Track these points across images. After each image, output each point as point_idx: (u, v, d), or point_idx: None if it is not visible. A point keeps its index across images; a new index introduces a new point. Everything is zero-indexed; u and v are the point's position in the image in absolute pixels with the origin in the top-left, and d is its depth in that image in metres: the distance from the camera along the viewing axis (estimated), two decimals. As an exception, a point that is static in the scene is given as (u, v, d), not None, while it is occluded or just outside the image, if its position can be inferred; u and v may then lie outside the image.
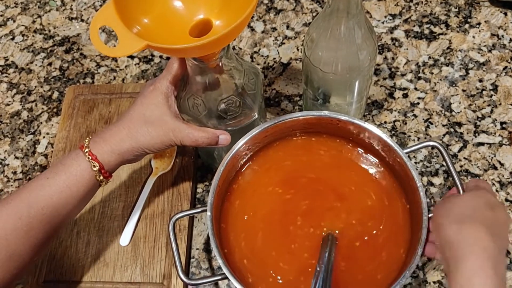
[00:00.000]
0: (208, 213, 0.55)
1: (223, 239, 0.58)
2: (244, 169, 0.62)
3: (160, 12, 0.51)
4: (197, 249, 0.68)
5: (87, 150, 0.53)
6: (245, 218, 0.59)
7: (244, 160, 0.62)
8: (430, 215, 0.53)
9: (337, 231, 0.56)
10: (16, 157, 0.78)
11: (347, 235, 0.56)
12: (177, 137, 0.55)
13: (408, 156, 0.56)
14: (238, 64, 0.58)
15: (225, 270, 0.52)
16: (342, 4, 0.51)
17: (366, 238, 0.56)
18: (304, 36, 0.79)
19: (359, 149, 0.62)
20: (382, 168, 0.60)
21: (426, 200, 0.54)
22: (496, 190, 0.67)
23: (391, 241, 0.56)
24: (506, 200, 0.67)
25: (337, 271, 0.54)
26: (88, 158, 0.53)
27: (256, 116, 0.60)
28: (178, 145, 0.56)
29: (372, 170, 0.60)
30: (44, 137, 0.79)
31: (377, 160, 0.61)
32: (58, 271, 0.66)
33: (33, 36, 0.89)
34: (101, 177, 0.54)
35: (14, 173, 0.77)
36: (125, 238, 0.67)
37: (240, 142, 0.59)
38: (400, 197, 0.58)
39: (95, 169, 0.53)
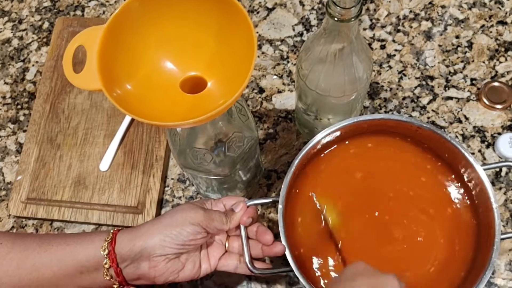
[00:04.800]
0: (280, 206, 0.52)
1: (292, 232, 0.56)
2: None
3: (148, 70, 0.49)
4: (172, 179, 0.72)
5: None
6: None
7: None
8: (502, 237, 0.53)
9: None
10: (6, 83, 0.81)
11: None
12: None
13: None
14: (237, 120, 0.55)
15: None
16: (340, 30, 0.51)
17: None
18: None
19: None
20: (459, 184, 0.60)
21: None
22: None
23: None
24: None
25: None
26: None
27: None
28: None
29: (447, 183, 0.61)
30: (33, 65, 0.82)
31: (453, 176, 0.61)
32: (40, 190, 0.71)
33: (26, -35, 0.91)
34: None
35: (4, 97, 0.80)
36: (104, 163, 0.71)
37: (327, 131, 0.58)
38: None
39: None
